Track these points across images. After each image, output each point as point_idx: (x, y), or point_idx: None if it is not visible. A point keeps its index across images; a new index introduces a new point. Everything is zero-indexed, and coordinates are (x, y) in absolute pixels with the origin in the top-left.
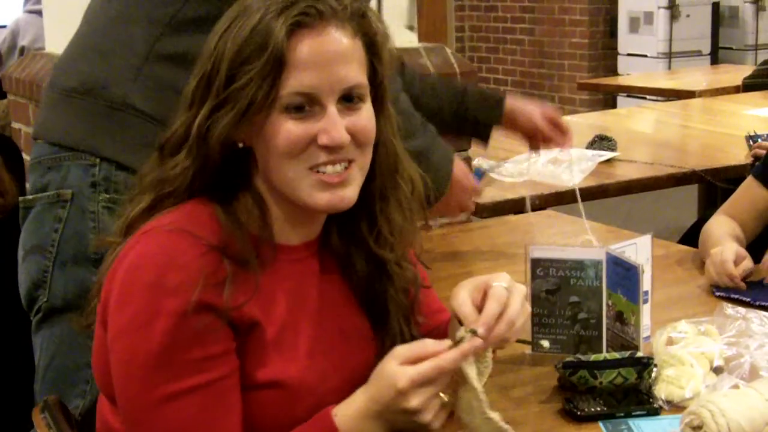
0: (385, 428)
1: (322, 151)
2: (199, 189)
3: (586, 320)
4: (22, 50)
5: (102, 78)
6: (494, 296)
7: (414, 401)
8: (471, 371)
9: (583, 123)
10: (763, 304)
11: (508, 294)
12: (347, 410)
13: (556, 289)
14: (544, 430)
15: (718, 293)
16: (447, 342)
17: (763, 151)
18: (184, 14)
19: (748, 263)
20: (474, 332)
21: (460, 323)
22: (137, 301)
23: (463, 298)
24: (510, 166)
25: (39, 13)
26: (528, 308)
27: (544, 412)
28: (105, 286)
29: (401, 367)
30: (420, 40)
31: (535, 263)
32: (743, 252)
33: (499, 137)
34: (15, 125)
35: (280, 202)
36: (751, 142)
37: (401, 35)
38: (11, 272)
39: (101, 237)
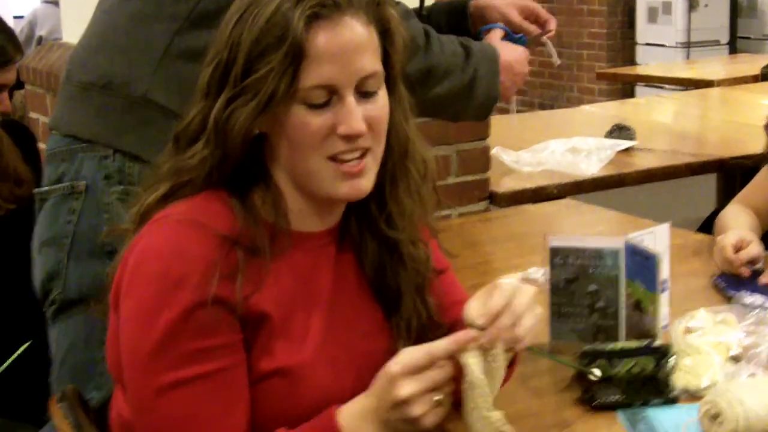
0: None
1: (340, 141)
2: (217, 179)
3: (604, 309)
4: (40, 40)
5: (121, 73)
6: (500, 290)
7: (404, 389)
8: (476, 366)
9: (601, 113)
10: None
11: (515, 290)
12: (350, 408)
13: (574, 278)
14: (562, 419)
15: (716, 281)
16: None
17: None
18: (204, 7)
19: (754, 248)
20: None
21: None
22: (144, 291)
23: (473, 304)
24: (528, 156)
25: (56, 3)
26: (539, 310)
27: (562, 401)
28: (117, 274)
29: (397, 356)
30: None
31: (554, 252)
32: (749, 237)
33: (515, 126)
34: (32, 115)
35: (297, 191)
36: None
37: None
38: (28, 262)
39: (114, 225)
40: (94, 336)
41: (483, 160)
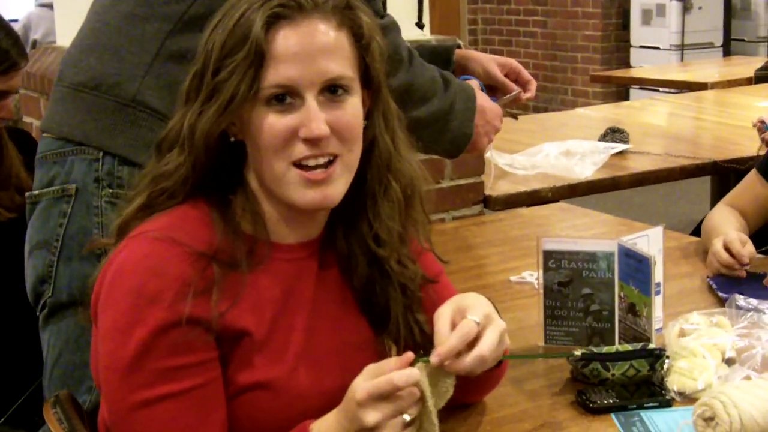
0: None
1: (304, 145)
2: (194, 187)
3: (598, 312)
4: (35, 44)
5: (112, 74)
6: (460, 330)
7: (370, 416)
8: (428, 391)
9: (595, 115)
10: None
11: (481, 328)
12: (324, 425)
13: (568, 281)
14: (556, 422)
15: (709, 282)
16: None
17: None
18: (195, 10)
19: (749, 248)
20: (426, 362)
21: None
22: (118, 306)
23: (444, 315)
24: (522, 159)
25: (51, 6)
26: (507, 342)
27: (556, 404)
28: (96, 287)
29: (362, 380)
30: (432, 32)
31: (548, 255)
32: (744, 237)
33: (509, 129)
34: (26, 119)
35: (273, 200)
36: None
37: (412, 29)
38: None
39: (96, 240)
40: (85, 339)
41: (477, 164)
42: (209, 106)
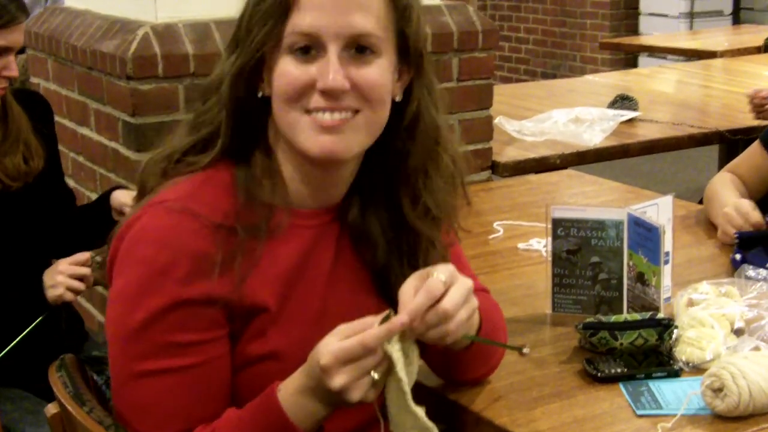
0: (324, 406)
1: (321, 96)
2: (222, 142)
3: (606, 281)
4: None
5: None
6: (426, 288)
7: (337, 380)
8: (398, 358)
9: (604, 83)
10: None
11: (445, 287)
12: (290, 385)
13: (576, 249)
14: (563, 391)
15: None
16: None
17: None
18: None
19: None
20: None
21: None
22: (131, 274)
23: (407, 286)
24: (531, 125)
25: None
26: (475, 303)
27: (563, 373)
28: (112, 249)
29: (334, 340)
30: None
31: (556, 223)
32: (752, 203)
33: (518, 95)
34: (34, 80)
35: (291, 156)
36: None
37: None
38: (29, 241)
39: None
40: None
41: (486, 130)
42: (238, 53)
